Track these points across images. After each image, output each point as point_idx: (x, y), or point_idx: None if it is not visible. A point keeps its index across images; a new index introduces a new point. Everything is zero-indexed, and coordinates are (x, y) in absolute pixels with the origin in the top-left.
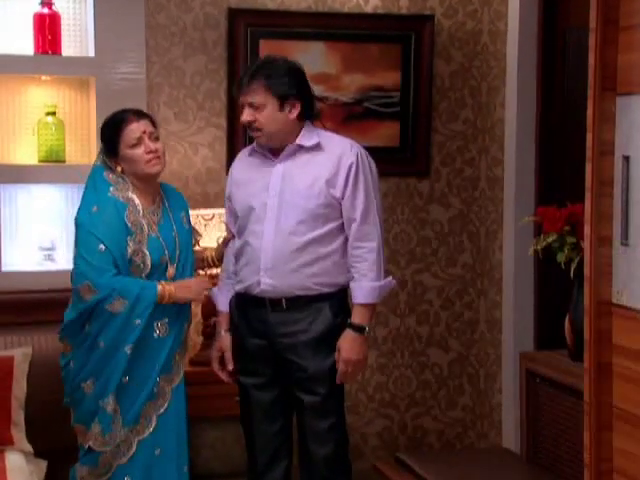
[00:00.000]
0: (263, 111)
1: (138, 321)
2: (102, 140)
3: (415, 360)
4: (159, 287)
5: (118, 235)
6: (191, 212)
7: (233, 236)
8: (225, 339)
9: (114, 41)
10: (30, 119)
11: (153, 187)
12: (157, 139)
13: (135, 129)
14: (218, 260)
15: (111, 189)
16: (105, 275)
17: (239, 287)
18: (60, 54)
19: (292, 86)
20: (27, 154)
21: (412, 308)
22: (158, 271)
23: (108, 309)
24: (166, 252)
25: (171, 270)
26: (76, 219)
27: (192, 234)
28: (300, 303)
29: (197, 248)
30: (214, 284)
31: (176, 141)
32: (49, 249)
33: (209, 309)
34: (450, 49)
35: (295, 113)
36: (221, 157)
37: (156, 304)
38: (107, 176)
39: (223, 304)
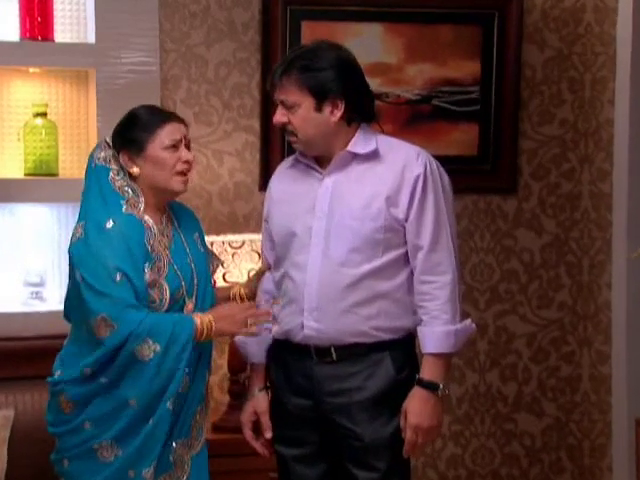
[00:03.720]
0: (297, 111)
1: (174, 369)
2: (123, 130)
3: (499, 427)
4: (196, 320)
5: (138, 263)
6: (216, 238)
7: (269, 267)
8: (260, 399)
9: (119, 24)
10: (14, 121)
11: (162, 204)
12: (190, 151)
13: (176, 130)
14: (250, 298)
15: (123, 204)
16: (131, 310)
17: (277, 333)
18: (52, 40)
19: (335, 81)
20: (10, 165)
21: (495, 361)
22: (174, 308)
23: (135, 354)
24: (183, 283)
25: (190, 305)
26: (80, 232)
27: (209, 259)
28: (354, 353)
29: (224, 284)
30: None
31: (197, 149)
32: (37, 285)
33: (238, 361)
34: (543, 31)
35: (337, 114)
36: (253, 169)
37: (194, 343)
38: (113, 180)
39: (257, 355)
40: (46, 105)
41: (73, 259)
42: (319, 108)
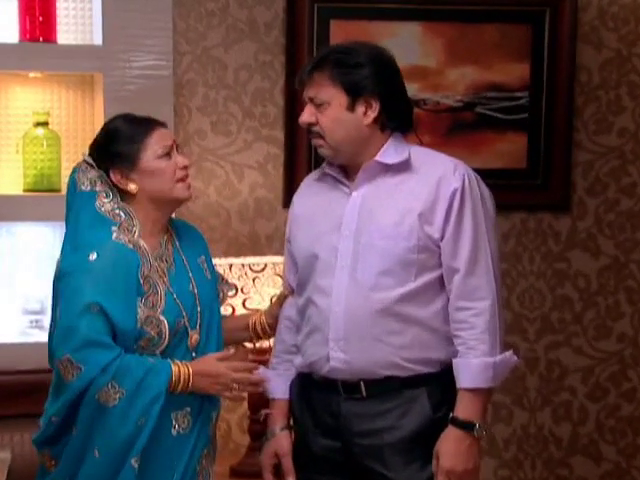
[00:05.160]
0: (327, 110)
1: (142, 420)
2: (109, 146)
3: (551, 473)
4: (174, 369)
5: (125, 298)
6: (235, 260)
7: (292, 292)
8: (281, 440)
9: (129, 24)
10: (13, 132)
11: (164, 222)
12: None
13: (165, 135)
14: (271, 327)
15: (114, 229)
16: (100, 350)
17: (301, 365)
18: (55, 42)
19: (370, 78)
20: (8, 180)
21: (546, 398)
22: (176, 342)
23: (98, 399)
24: (183, 313)
25: (194, 336)
26: (60, 266)
27: (218, 286)
28: (386, 388)
29: (245, 312)
30: (264, 362)
31: (214, 161)
32: (37, 312)
33: (260, 397)
34: (600, 30)
35: (371, 116)
36: (276, 183)
37: (167, 395)
38: (101, 206)
39: (279, 390)
40: (48, 114)
41: (53, 295)
42: (352, 107)
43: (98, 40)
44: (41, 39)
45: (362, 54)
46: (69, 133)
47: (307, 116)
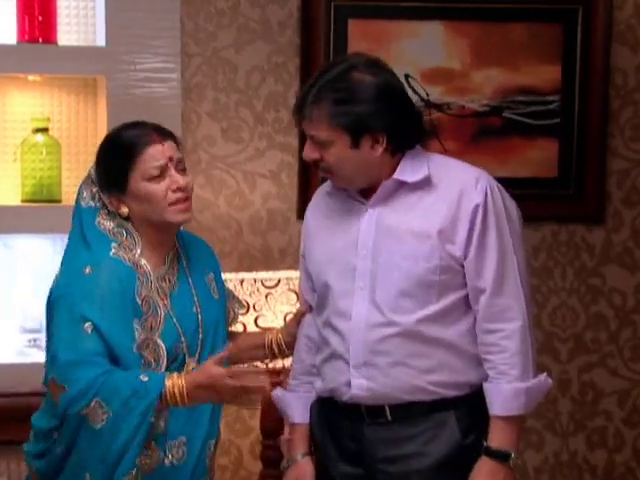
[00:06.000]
0: (330, 148)
1: (129, 442)
2: (99, 167)
3: None
4: (167, 384)
5: (121, 316)
6: (246, 275)
7: (311, 309)
8: (305, 466)
9: (134, 24)
10: (10, 138)
11: (168, 240)
12: (184, 171)
13: (158, 154)
14: (289, 346)
15: (113, 246)
16: (84, 367)
17: (321, 389)
18: (55, 43)
19: (373, 115)
20: (5, 190)
21: (580, 423)
22: (175, 368)
23: (86, 416)
24: (182, 338)
25: (191, 364)
26: (56, 283)
27: (226, 304)
28: (412, 412)
29: (256, 329)
30: (278, 383)
31: (224, 170)
32: (36, 331)
33: (272, 421)
34: (637, 29)
35: (379, 149)
36: (290, 193)
37: (157, 412)
38: (101, 224)
39: (298, 414)
40: (48, 119)
41: (47, 312)
42: (356, 144)
43: (101, 41)
44: (40, 40)
45: (361, 89)
46: (70, 140)
47: (309, 153)
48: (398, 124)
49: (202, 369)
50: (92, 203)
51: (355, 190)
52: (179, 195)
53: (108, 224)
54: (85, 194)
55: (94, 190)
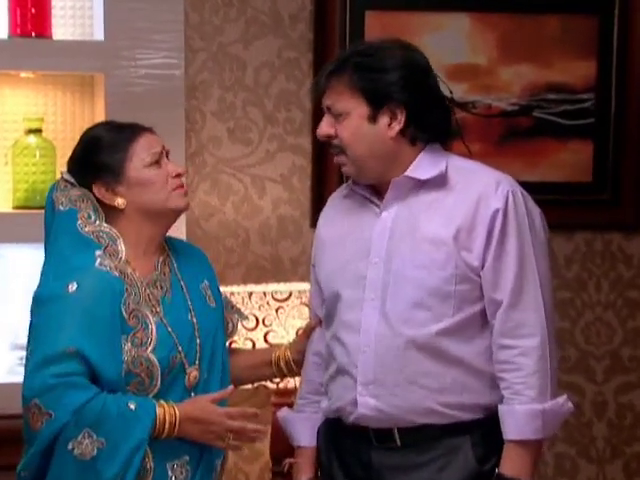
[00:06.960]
0: (345, 120)
1: (122, 474)
2: (84, 158)
3: None
4: (158, 412)
5: (109, 339)
6: (255, 288)
7: (320, 322)
8: None
9: (134, 17)
10: (1, 140)
11: (160, 239)
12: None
13: (153, 141)
14: (297, 364)
15: (98, 254)
16: (66, 389)
17: (328, 409)
18: (50, 37)
19: (396, 85)
20: None
21: (617, 449)
22: (170, 381)
23: (72, 450)
24: (179, 347)
25: (192, 373)
26: (36, 295)
27: (223, 314)
28: (423, 436)
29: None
30: (289, 405)
31: (231, 174)
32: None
33: (283, 445)
34: None
35: (396, 128)
36: (303, 199)
37: (150, 441)
38: (84, 227)
39: (304, 436)
40: (41, 119)
41: (29, 326)
42: (373, 118)
43: (99, 35)
44: (34, 34)
45: (388, 56)
46: (65, 142)
47: (325, 128)
48: (420, 103)
49: (198, 402)
50: (69, 206)
51: (368, 182)
52: (178, 181)
53: (90, 227)
54: (61, 199)
55: (71, 194)
